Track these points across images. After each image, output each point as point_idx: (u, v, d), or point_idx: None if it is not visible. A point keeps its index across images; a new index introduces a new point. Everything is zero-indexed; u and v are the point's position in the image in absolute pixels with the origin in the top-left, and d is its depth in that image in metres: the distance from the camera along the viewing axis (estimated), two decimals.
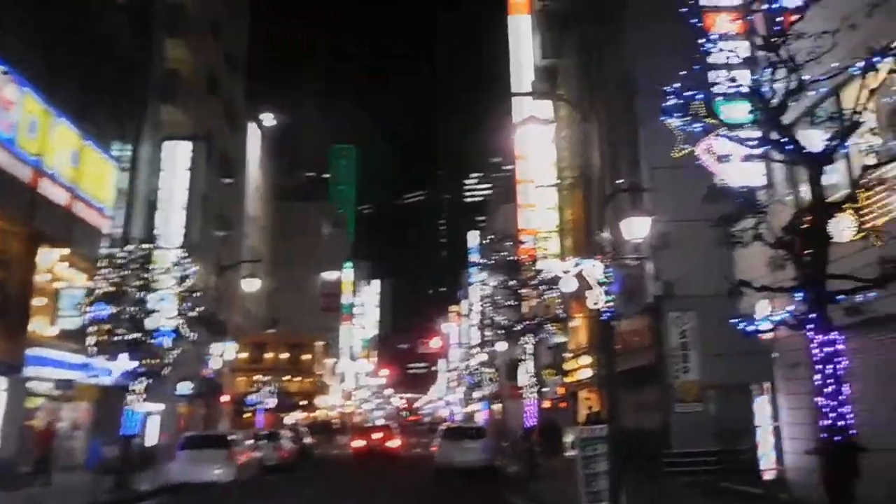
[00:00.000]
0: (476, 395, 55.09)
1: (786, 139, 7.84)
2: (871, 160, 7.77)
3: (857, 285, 7.72)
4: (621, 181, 18.81)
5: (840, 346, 7.78)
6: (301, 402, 62.66)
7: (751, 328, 10.93)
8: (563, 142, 29.64)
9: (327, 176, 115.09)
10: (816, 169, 7.88)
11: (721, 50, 9.19)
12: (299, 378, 63.75)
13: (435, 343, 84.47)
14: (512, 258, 22.46)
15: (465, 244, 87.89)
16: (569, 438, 26.45)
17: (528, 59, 34.79)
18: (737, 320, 9.90)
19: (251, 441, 23.09)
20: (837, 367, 7.79)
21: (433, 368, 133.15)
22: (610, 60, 23.35)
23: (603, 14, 24.32)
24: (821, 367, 7.87)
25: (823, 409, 7.92)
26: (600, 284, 12.09)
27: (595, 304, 12.22)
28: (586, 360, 24.26)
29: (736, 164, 9.93)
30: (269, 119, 71.57)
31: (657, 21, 19.29)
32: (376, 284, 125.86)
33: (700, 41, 9.47)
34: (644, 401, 19.68)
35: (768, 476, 12.36)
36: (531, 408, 22.64)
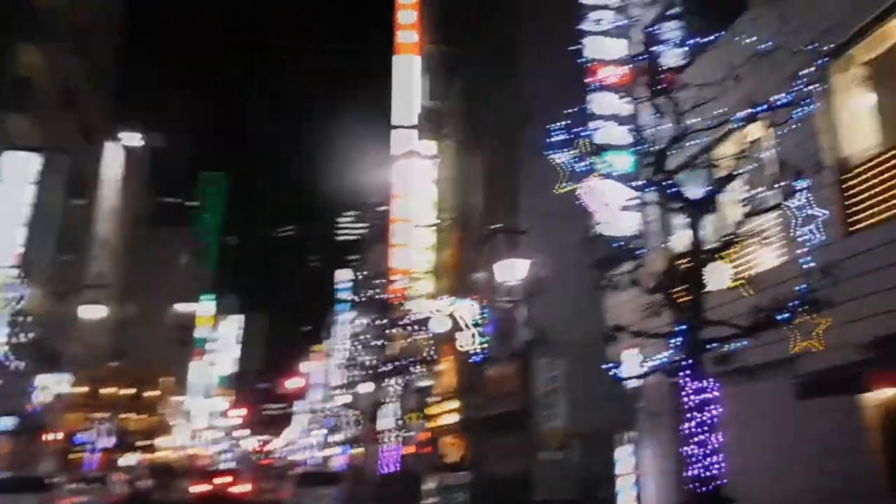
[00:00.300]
0: (335, 438, 53.16)
1: (669, 183, 7.84)
2: (747, 209, 7.90)
3: (730, 333, 7.75)
4: (499, 225, 18.80)
5: (712, 395, 7.74)
6: (143, 443, 57.87)
7: (622, 375, 10.91)
8: (444, 182, 29.65)
9: (195, 204, 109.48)
10: (696, 215, 7.92)
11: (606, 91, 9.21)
12: (142, 416, 58.97)
13: (294, 383, 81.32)
14: (383, 296, 21.82)
15: (333, 283, 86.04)
16: (429, 486, 25.76)
17: (414, 100, 34.81)
18: (609, 366, 9.77)
19: (76, 485, 20.64)
20: (709, 415, 7.74)
21: (292, 409, 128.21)
22: (496, 105, 23.68)
23: (492, 60, 24.73)
24: (692, 415, 7.79)
25: (691, 459, 7.82)
26: (473, 326, 11.74)
27: (466, 345, 11.83)
28: (452, 404, 23.81)
29: (616, 206, 9.92)
30: (134, 139, 67.40)
31: (546, 66, 19.79)
32: (238, 319, 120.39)
33: (586, 90, 9.54)
34: (509, 447, 19.40)
35: None
36: (393, 453, 21.82)
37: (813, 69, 7.72)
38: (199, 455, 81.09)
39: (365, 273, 25.90)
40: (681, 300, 7.95)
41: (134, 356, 58.78)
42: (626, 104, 12.92)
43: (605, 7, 14.64)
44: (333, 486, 21.39)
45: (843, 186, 9.09)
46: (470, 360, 11.48)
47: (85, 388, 52.50)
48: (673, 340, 7.93)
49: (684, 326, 7.75)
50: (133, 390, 57.64)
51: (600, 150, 9.12)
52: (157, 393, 60.73)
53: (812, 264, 7.32)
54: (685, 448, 7.77)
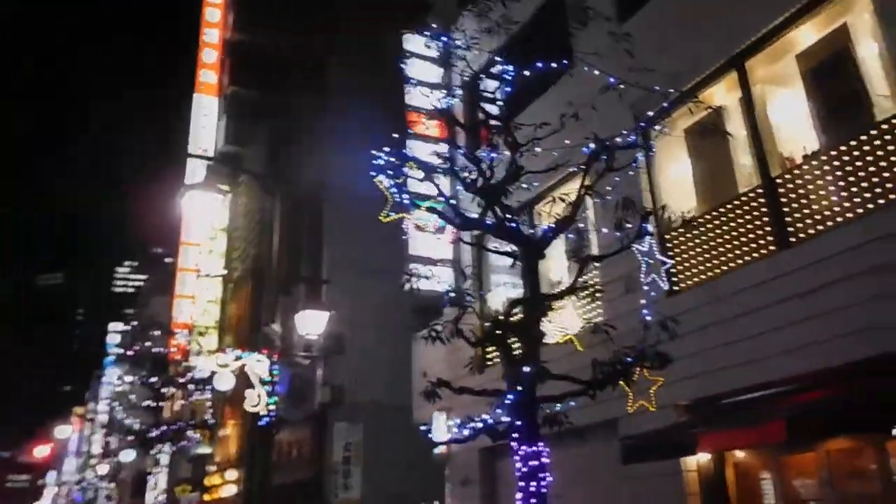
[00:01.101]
0: None
1: (507, 218, 7.09)
2: (587, 255, 7.35)
3: (566, 390, 7.01)
4: (301, 275, 17.32)
5: (545, 460, 6.90)
6: None
7: (433, 438, 9.86)
8: (238, 230, 27.48)
9: None
10: (532, 256, 7.23)
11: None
12: None
13: (42, 451, 70.66)
14: (159, 350, 19.09)
15: (103, 337, 76.95)
16: None
17: (212, 139, 32.38)
18: (423, 428, 8.68)
19: None
20: (541, 483, 6.86)
21: (40, 482, 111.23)
22: (300, 153, 22.40)
23: (298, 107, 23.56)
24: (523, 483, 6.88)
25: None
26: (263, 383, 10.15)
27: (255, 405, 10.18)
28: (234, 474, 21.21)
29: (439, 242, 9.06)
30: None
31: (353, 114, 18.99)
32: None
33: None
34: None
35: None
36: None
37: (641, 122, 7.52)
38: None
39: (141, 324, 22.48)
40: (513, 353, 7.12)
41: None
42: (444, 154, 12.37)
43: (422, 57, 14.14)
44: None
45: (666, 245, 9.04)
46: (258, 423, 9.76)
47: None
48: (503, 398, 7.01)
49: (517, 382, 6.89)
50: None
51: (417, 199, 8.21)
52: None
53: (650, 318, 6.86)
54: None
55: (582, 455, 9.04)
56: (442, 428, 11.65)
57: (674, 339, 6.62)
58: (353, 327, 16.64)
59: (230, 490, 21.55)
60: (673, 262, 8.76)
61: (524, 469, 6.85)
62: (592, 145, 7.08)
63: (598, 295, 8.30)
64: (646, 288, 7.35)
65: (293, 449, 18.07)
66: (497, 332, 7.22)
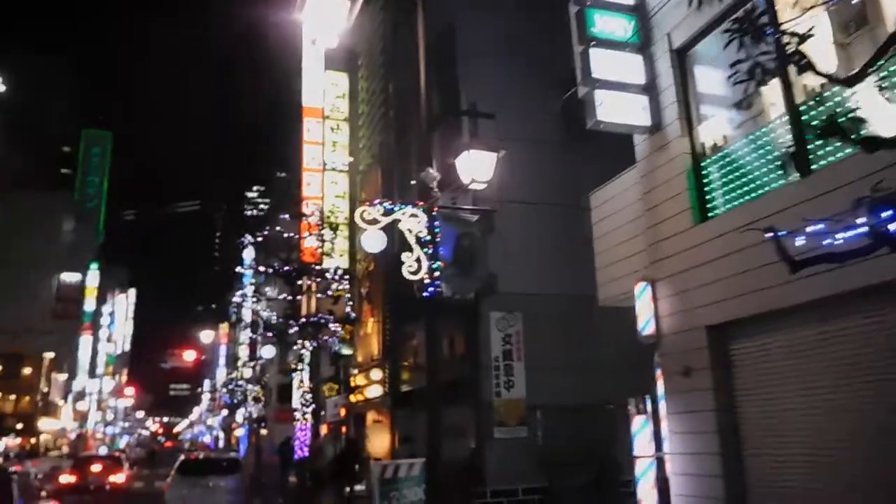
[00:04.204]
0: (238, 418, 48.11)
1: None
2: None
3: None
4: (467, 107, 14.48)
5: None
6: (17, 426, 51.04)
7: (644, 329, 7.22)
8: (363, 118, 25.34)
9: (67, 171, 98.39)
10: None
11: None
12: (16, 396, 52.01)
13: (190, 355, 75.01)
14: (290, 235, 17.46)
15: (239, 257, 79.37)
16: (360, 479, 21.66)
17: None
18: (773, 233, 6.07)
19: None
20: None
21: (198, 390, 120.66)
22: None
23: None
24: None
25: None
26: (422, 245, 7.83)
27: (413, 271, 7.90)
28: (378, 374, 19.76)
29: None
30: None
31: None
32: (131, 294, 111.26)
33: None
34: (453, 424, 15.57)
35: None
36: (304, 433, 17.57)
37: None
38: (89, 438, 73.91)
39: (272, 238, 20.66)
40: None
41: (11, 332, 51.59)
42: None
43: None
44: (230, 475, 16.96)
45: None
46: (422, 295, 7.43)
47: None
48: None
49: None
50: (1, 368, 50.62)
51: None
52: (34, 371, 53.78)
53: None
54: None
55: None
56: (648, 310, 8.98)
57: None
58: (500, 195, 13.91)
59: (375, 391, 20.19)
60: None
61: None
62: None
63: None
64: None
65: (442, 345, 16.09)
66: None
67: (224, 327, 76.40)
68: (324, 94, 25.82)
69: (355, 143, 25.76)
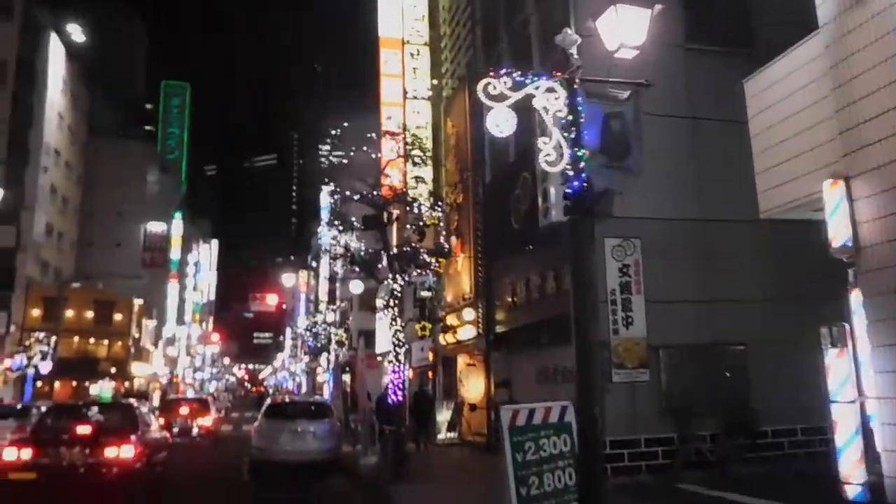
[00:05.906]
0: (322, 362, 48.08)
1: None
2: None
3: None
4: None
5: None
6: (111, 370, 52.75)
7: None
8: (445, 39, 23.47)
9: (150, 128, 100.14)
10: None
11: None
12: (109, 341, 53.62)
13: (273, 299, 76.10)
14: (378, 155, 15.98)
15: (317, 205, 79.29)
16: (442, 417, 20.56)
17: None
18: None
19: None
20: None
21: (280, 338, 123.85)
22: None
23: None
24: None
25: None
26: (562, 127, 6.12)
27: (551, 160, 6.20)
28: (471, 314, 18.29)
29: None
30: (76, 33, 59.73)
31: None
32: (214, 244, 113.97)
33: None
34: (562, 367, 14.02)
35: (853, 491, 6.88)
36: (393, 378, 16.31)
37: None
38: (178, 383, 76.61)
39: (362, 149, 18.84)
40: None
41: (101, 279, 52.90)
42: None
43: None
44: (320, 420, 15.89)
45: None
46: (566, 194, 5.69)
47: (39, 312, 47.16)
48: None
49: None
50: (93, 314, 52.09)
51: None
52: (126, 317, 55.26)
53: None
54: None
55: None
56: (843, 214, 7.01)
57: None
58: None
59: (467, 332, 18.76)
60: None
61: None
62: None
63: None
64: None
65: (549, 277, 14.42)
66: None
67: (304, 275, 76.96)
68: (402, 13, 23.96)
69: (437, 70, 23.96)
